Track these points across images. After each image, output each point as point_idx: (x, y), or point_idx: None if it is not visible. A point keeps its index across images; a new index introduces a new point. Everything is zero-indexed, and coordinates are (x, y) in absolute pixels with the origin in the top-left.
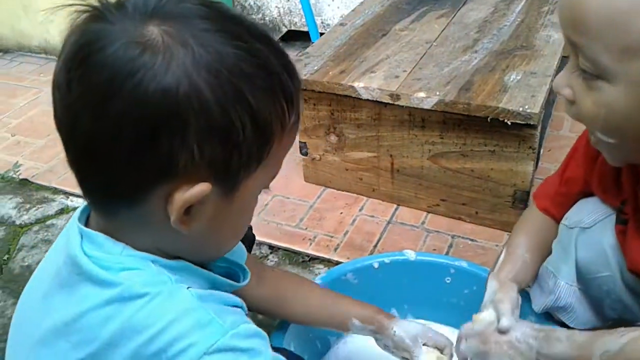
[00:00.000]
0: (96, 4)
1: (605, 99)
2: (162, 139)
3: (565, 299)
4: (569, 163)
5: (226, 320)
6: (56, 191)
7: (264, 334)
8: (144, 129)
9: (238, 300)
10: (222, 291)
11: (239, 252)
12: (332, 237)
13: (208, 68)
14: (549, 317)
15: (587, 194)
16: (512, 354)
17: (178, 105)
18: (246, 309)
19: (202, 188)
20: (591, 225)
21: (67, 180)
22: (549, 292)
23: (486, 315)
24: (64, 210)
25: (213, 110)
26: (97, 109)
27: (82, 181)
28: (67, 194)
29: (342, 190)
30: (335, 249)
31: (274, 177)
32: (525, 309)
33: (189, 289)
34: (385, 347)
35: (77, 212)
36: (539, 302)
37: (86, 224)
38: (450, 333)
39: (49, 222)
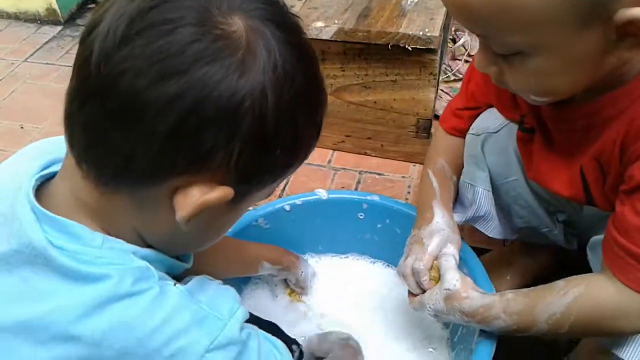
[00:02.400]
0: None
1: (531, 68)
2: (211, 132)
3: (484, 206)
4: (471, 78)
5: (222, 311)
6: None
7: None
8: (198, 117)
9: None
10: (175, 273)
11: None
12: None
13: (282, 81)
14: None
15: (492, 105)
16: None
17: (240, 107)
18: None
19: (225, 193)
20: (497, 130)
21: None
22: (469, 205)
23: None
24: None
25: (268, 122)
26: (156, 78)
27: (92, 146)
28: None
29: None
30: None
31: (270, 194)
32: None
33: (176, 285)
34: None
35: (27, 190)
36: (461, 216)
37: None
38: (367, 264)
39: None
